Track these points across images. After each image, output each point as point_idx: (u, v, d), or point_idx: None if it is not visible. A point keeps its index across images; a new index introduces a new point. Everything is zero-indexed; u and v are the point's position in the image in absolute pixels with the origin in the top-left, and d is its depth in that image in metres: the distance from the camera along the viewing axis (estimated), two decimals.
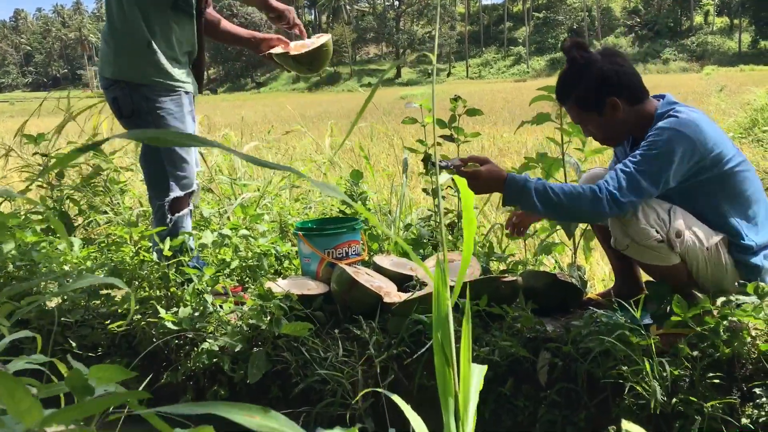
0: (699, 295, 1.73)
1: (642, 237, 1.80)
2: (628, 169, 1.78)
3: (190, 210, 2.52)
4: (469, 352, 0.98)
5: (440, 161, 1.84)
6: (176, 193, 2.42)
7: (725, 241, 1.87)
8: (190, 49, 2.48)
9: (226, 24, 2.70)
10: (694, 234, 1.83)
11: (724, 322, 1.67)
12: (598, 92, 1.89)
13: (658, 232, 1.79)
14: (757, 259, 1.86)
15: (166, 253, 2.25)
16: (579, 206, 1.78)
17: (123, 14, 2.30)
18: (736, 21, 65.60)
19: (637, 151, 1.82)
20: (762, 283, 1.71)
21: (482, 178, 1.81)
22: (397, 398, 1.00)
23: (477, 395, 1.02)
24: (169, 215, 2.40)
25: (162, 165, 2.39)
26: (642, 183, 1.76)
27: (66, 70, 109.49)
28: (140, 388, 2.07)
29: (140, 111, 2.33)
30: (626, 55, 2.13)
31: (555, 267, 2.81)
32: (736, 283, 1.84)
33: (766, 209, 1.91)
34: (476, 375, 1.06)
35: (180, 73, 2.41)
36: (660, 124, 1.83)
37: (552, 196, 1.77)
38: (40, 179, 3.12)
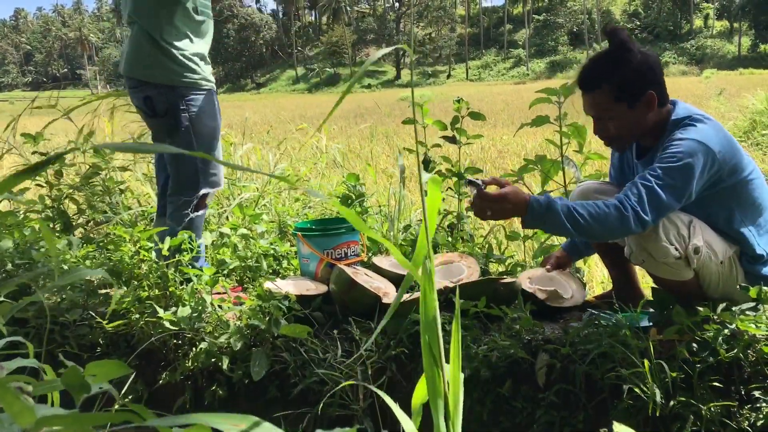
0: (700, 309, 1.71)
1: (661, 254, 1.75)
2: (649, 184, 1.69)
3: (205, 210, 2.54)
4: (459, 353, 0.97)
5: (469, 179, 1.81)
6: (205, 190, 2.44)
7: (737, 253, 1.85)
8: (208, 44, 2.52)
9: None
10: (711, 248, 1.79)
11: (725, 331, 1.66)
12: (641, 81, 1.79)
13: (677, 249, 1.74)
14: (767, 270, 1.84)
15: (165, 252, 2.25)
16: (607, 226, 1.69)
17: (154, 17, 2.31)
18: (735, 25, 65.69)
19: (657, 164, 1.73)
20: (765, 287, 1.70)
21: (508, 200, 1.70)
22: (386, 397, 1.00)
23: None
24: (189, 212, 2.42)
25: (195, 163, 2.41)
26: (664, 199, 1.68)
27: (66, 70, 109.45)
28: (137, 387, 2.08)
29: (176, 109, 2.36)
30: None
31: None
32: (738, 286, 1.82)
33: None
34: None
35: (209, 71, 2.47)
36: (678, 134, 1.76)
37: (578, 216, 1.68)
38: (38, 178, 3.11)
